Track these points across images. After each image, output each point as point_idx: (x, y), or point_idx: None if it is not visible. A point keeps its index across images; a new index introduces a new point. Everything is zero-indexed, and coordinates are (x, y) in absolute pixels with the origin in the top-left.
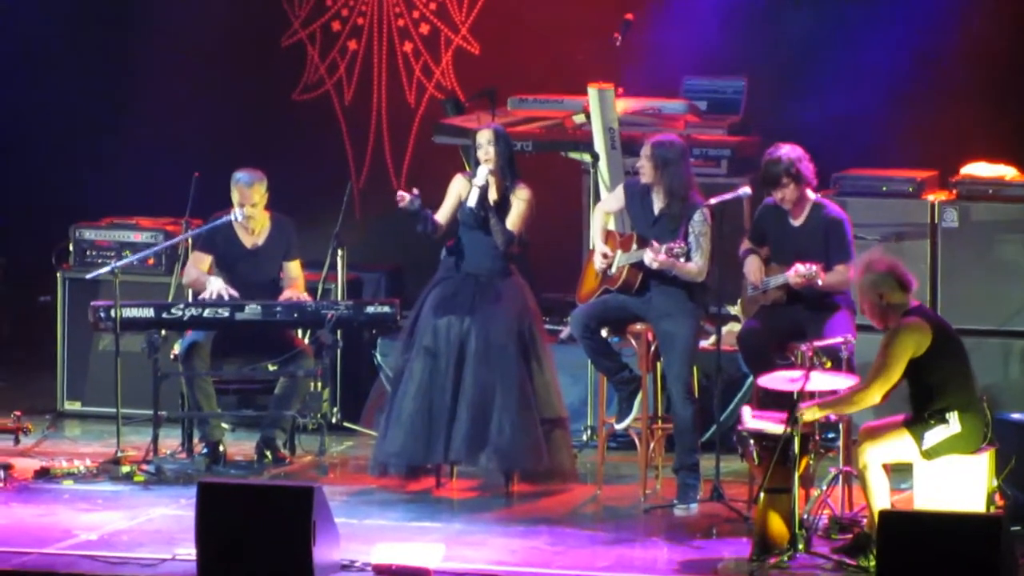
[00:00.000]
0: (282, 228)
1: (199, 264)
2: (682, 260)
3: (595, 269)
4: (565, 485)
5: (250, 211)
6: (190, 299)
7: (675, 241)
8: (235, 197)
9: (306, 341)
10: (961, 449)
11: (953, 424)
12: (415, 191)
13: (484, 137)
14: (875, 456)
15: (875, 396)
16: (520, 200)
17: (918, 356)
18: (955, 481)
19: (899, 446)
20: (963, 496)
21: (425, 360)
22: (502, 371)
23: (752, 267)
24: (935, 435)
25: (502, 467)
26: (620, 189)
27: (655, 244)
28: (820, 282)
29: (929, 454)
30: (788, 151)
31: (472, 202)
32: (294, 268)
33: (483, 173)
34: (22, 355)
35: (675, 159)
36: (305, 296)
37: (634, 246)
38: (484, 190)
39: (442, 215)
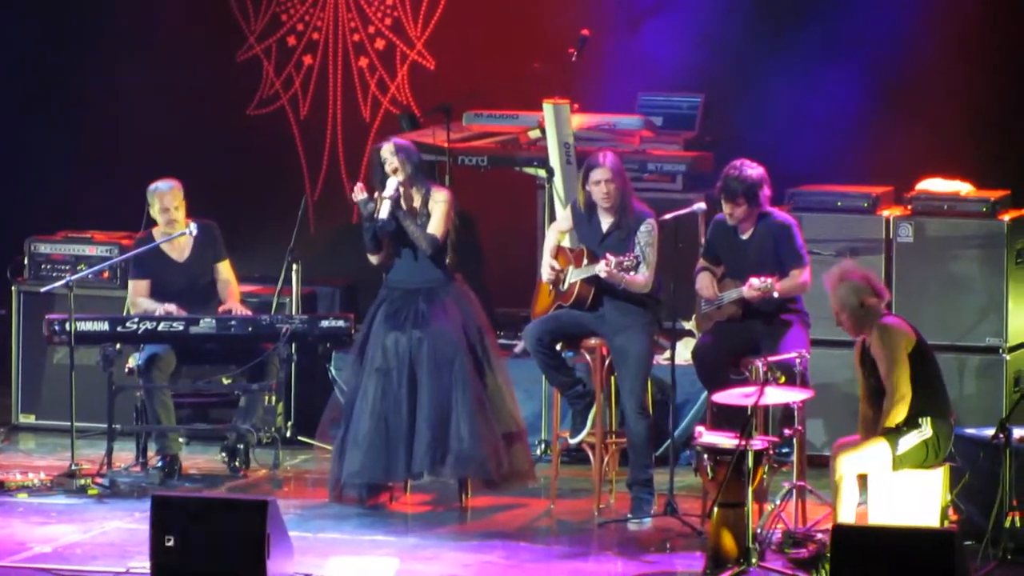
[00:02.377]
0: (206, 233)
1: (140, 291)
2: (632, 273)
3: (548, 286)
4: (526, 487)
5: (174, 215)
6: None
7: (625, 254)
8: (156, 207)
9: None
10: (929, 458)
11: (925, 429)
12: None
13: (386, 151)
14: (850, 466)
15: (906, 390)
16: (438, 202)
17: None
18: (909, 496)
19: (874, 453)
20: (917, 511)
21: (377, 379)
22: (455, 380)
23: (705, 283)
24: (908, 440)
25: (464, 472)
26: (569, 208)
27: (608, 257)
28: (776, 293)
29: (900, 461)
30: (753, 172)
31: (383, 214)
32: (225, 270)
33: (392, 185)
34: None
35: (623, 173)
36: (240, 308)
37: (585, 261)
38: (396, 201)
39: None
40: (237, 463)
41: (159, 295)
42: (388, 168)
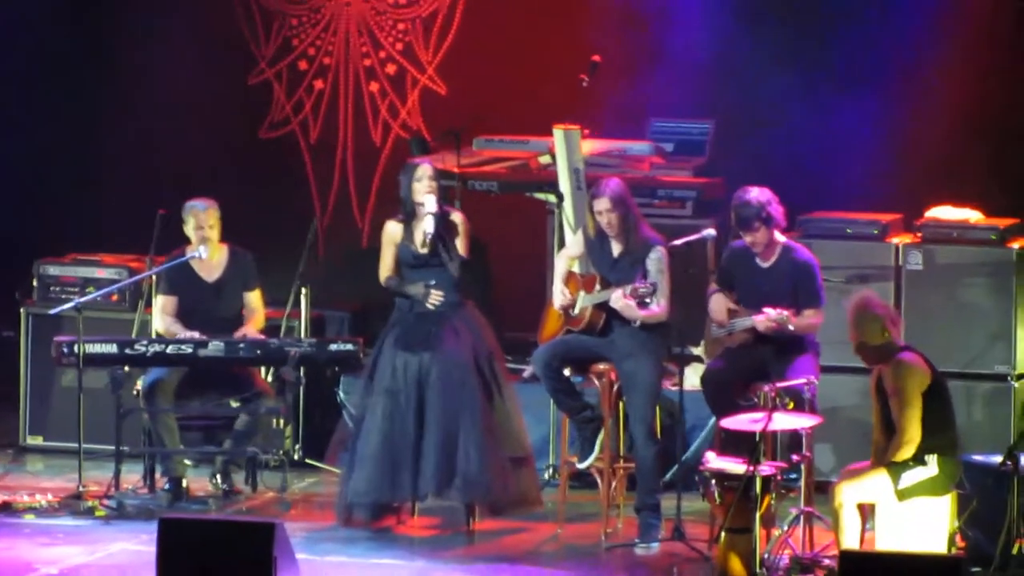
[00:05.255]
0: (239, 260)
1: (167, 308)
2: (648, 301)
3: (556, 311)
4: (532, 512)
5: (208, 233)
6: (153, 335)
7: (639, 281)
8: (191, 224)
9: (269, 378)
10: (934, 491)
11: (931, 466)
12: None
13: (425, 172)
14: (850, 495)
15: (915, 433)
16: (460, 223)
17: None
18: (917, 522)
19: (875, 485)
20: (925, 537)
21: (386, 400)
22: (464, 403)
23: (717, 308)
24: (912, 476)
25: (471, 496)
26: (580, 234)
27: (626, 288)
28: (791, 327)
29: (903, 494)
30: (758, 194)
31: (430, 228)
32: (254, 299)
33: (432, 202)
34: None
35: (627, 200)
36: (256, 334)
37: (597, 287)
38: (438, 218)
39: (388, 266)
40: (221, 486)
41: (184, 314)
42: (422, 187)
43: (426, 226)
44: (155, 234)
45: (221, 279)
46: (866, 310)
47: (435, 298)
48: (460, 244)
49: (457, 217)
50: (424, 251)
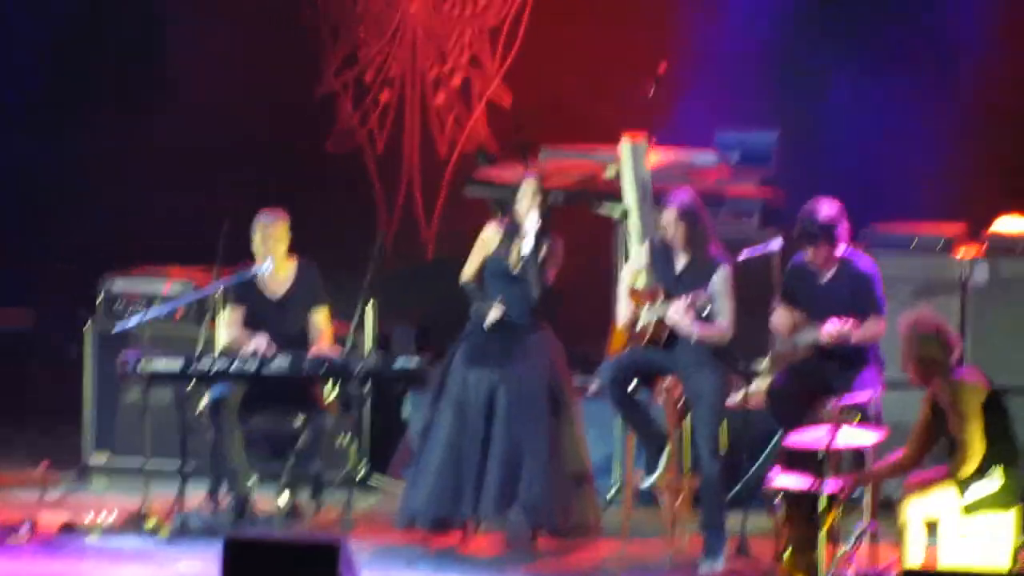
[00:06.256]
0: (307, 274)
1: (232, 320)
2: (704, 315)
3: (622, 327)
4: (589, 541)
5: (274, 247)
6: (217, 352)
7: (696, 291)
8: (258, 239)
9: (334, 394)
10: (999, 505)
11: (995, 478)
12: None
13: (530, 186)
14: (917, 511)
15: (978, 448)
16: (552, 250)
17: None
18: (981, 538)
19: (941, 500)
20: (988, 553)
21: (454, 413)
22: (532, 426)
23: (781, 322)
24: (977, 490)
25: (530, 523)
26: (645, 246)
27: (686, 297)
28: (853, 339)
29: (970, 509)
30: (827, 211)
31: (527, 251)
32: (322, 317)
33: (534, 219)
34: (50, 406)
35: (695, 214)
36: (328, 351)
37: (660, 299)
38: (537, 239)
39: (473, 269)
40: (292, 503)
41: (250, 330)
42: (527, 203)
43: (523, 247)
44: (220, 245)
45: (286, 295)
46: (917, 328)
47: (490, 320)
48: (550, 270)
49: (556, 243)
50: (515, 271)
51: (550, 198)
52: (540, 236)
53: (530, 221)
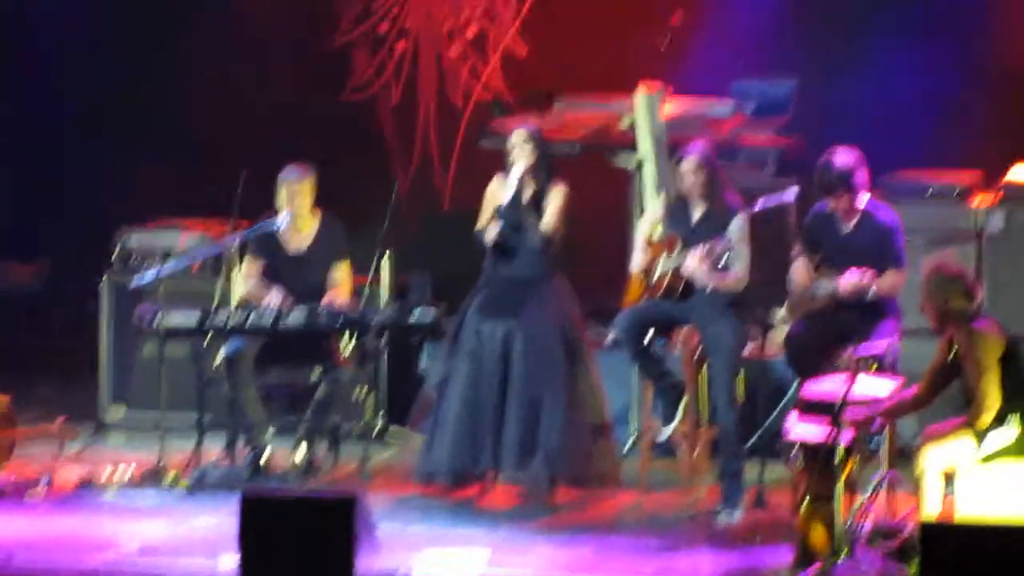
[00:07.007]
0: (331, 228)
1: (251, 272)
2: (721, 264)
3: (640, 277)
4: (609, 490)
5: (298, 206)
6: (233, 305)
7: (713, 240)
8: (282, 195)
9: (351, 347)
10: (1018, 453)
11: (1013, 427)
12: None
13: (519, 137)
14: (935, 461)
15: (995, 398)
16: (554, 197)
17: None
18: (999, 488)
19: (959, 450)
20: (1007, 502)
21: (470, 365)
22: (548, 375)
23: (800, 272)
24: (995, 439)
25: (551, 472)
26: (662, 197)
27: (704, 246)
28: (871, 292)
29: (988, 458)
30: (844, 159)
31: (506, 198)
32: (342, 270)
33: (516, 172)
34: (67, 362)
35: (712, 164)
36: (342, 302)
37: (677, 249)
38: (518, 190)
39: (485, 219)
40: (310, 457)
41: (268, 282)
42: (515, 154)
43: (503, 197)
44: (238, 195)
45: (308, 250)
46: (937, 272)
47: (488, 237)
48: (549, 218)
49: (557, 189)
50: (500, 221)
51: (566, 148)
52: (538, 184)
53: (514, 171)
